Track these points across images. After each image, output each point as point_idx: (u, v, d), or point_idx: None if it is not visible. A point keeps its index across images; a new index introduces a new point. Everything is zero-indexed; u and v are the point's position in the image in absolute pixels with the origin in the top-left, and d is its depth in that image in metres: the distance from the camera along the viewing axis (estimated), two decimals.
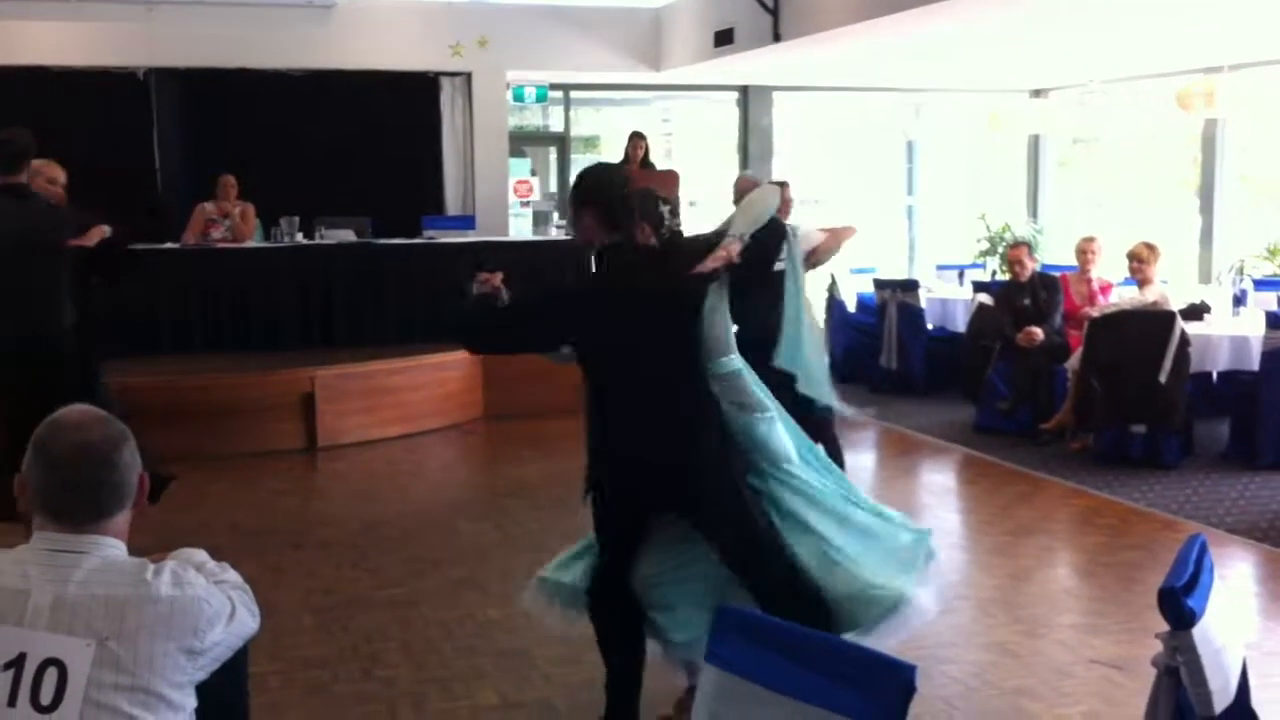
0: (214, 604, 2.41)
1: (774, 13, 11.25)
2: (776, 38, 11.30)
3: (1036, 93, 15.81)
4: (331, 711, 4.60)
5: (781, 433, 4.16)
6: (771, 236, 6.22)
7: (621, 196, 3.88)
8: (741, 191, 7.35)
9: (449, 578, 6.12)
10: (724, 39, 12.22)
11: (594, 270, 4.03)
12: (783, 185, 7.71)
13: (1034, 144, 16.07)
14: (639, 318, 3.84)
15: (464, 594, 5.86)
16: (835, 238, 7.35)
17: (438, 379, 9.98)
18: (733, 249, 3.82)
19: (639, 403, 3.87)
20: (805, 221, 7.71)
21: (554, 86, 14.54)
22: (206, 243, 10.68)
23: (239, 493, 7.98)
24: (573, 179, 4.03)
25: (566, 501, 7.35)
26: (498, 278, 3.94)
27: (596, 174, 4.04)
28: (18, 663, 2.26)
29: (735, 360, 4.18)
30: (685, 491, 3.92)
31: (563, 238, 12.12)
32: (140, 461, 2.49)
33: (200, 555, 2.62)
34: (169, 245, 10.62)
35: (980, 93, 15.73)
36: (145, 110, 12.47)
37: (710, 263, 3.79)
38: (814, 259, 7.40)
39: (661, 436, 3.86)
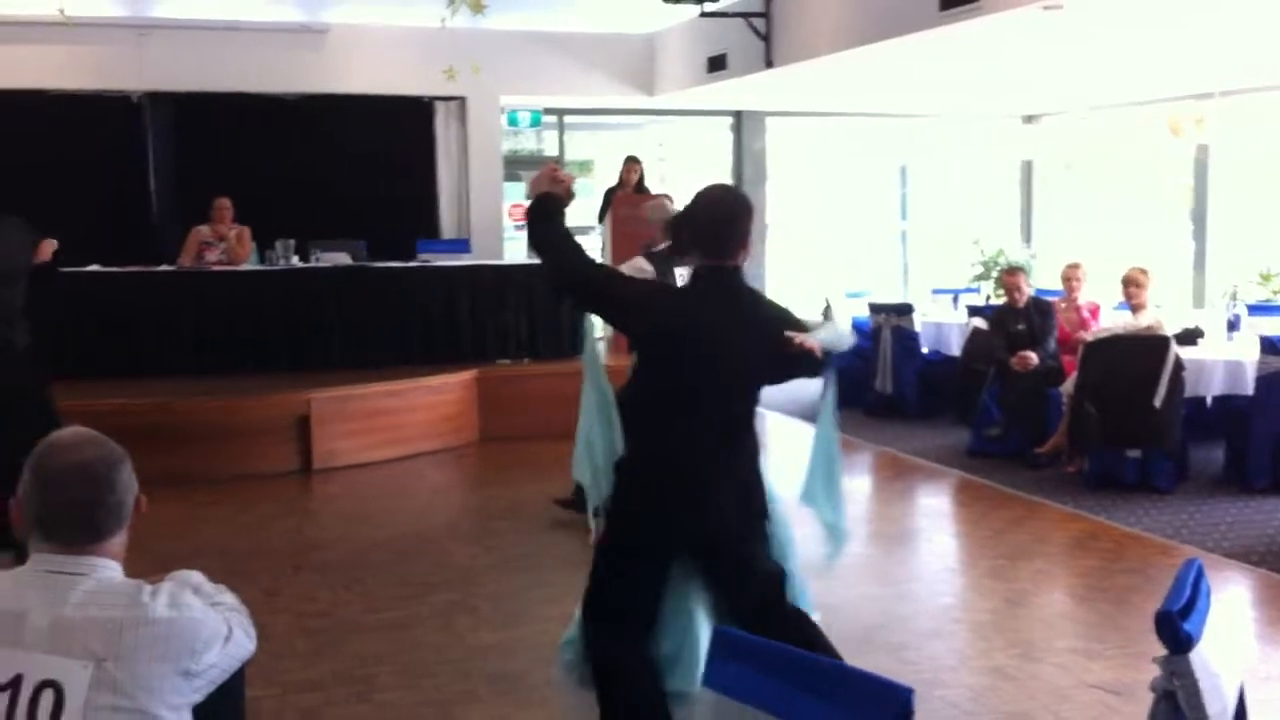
0: (210, 626, 2.41)
1: (766, 39, 11.31)
2: (769, 64, 11.35)
3: (1029, 118, 15.88)
4: None
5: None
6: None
7: (724, 222, 3.74)
8: (653, 209, 7.45)
9: (443, 601, 6.11)
10: (717, 65, 12.28)
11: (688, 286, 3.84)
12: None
13: (1026, 169, 16.14)
14: (732, 346, 3.70)
15: (458, 617, 5.85)
16: None
17: (432, 402, 9.98)
18: (814, 345, 3.59)
19: (710, 424, 3.73)
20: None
21: (548, 111, 14.59)
22: (201, 265, 10.67)
23: (234, 515, 7.96)
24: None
25: (562, 525, 7.40)
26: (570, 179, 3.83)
27: (708, 194, 3.84)
28: (14, 685, 2.26)
29: None
30: (734, 526, 3.79)
31: None
32: (137, 483, 2.49)
33: (197, 577, 2.61)
34: (164, 268, 10.63)
35: (972, 118, 15.82)
36: (139, 134, 12.49)
37: (805, 341, 3.56)
38: None
39: (728, 464, 3.77)
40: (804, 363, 3.63)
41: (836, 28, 10.32)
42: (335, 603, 6.10)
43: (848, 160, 16.65)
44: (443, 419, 10.04)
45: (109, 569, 2.40)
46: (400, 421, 9.68)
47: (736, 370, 3.73)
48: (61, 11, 10.37)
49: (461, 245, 12.35)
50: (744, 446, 3.81)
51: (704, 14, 11.51)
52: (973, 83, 12.89)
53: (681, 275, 7.18)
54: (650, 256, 7.30)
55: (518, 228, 14.19)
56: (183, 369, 10.12)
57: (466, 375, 10.33)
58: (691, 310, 3.74)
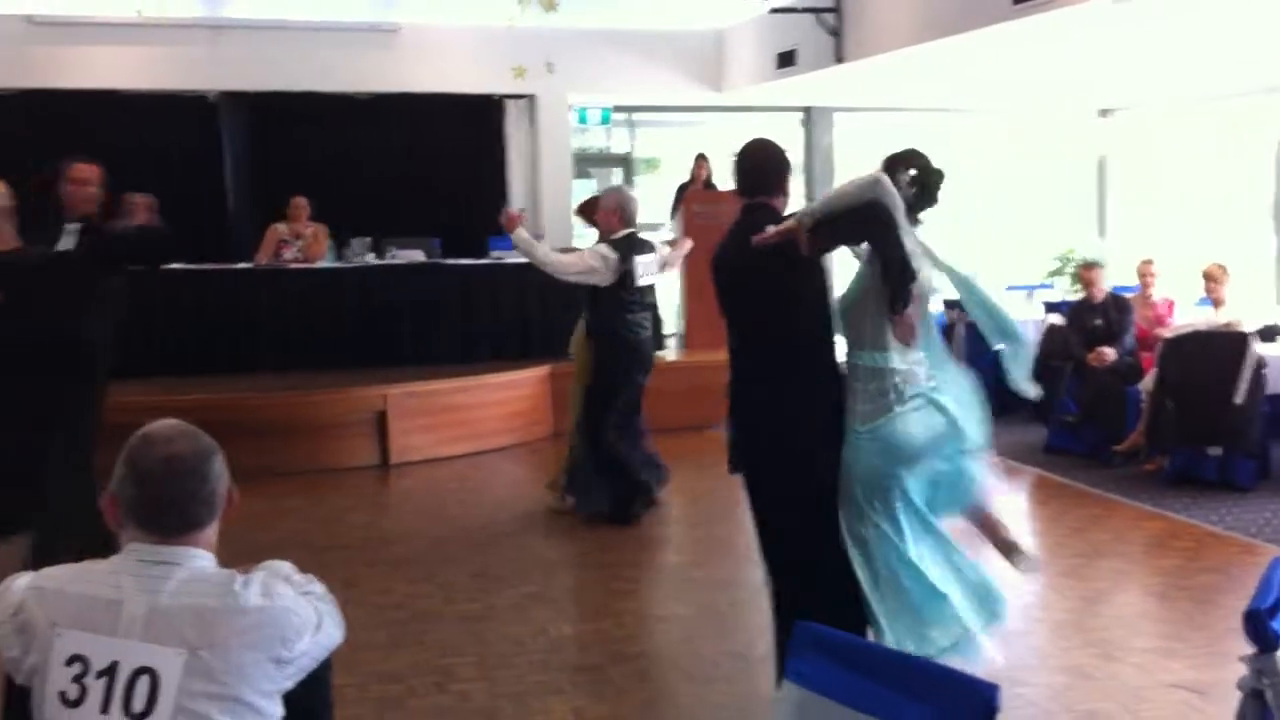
0: (301, 615, 2.45)
1: (836, 34, 11.25)
2: (839, 59, 11.29)
3: (1104, 113, 15.67)
4: None
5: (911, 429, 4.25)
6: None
7: (770, 164, 4.32)
8: (605, 208, 7.58)
9: (520, 593, 6.16)
10: (786, 60, 12.23)
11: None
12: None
13: (1102, 164, 15.91)
14: (745, 276, 4.16)
15: (535, 609, 5.89)
16: (676, 251, 8.25)
17: (506, 398, 10.07)
18: (780, 229, 3.97)
19: (745, 361, 4.25)
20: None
21: (617, 108, 14.61)
22: (278, 263, 10.82)
23: (312, 509, 8.06)
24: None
25: (637, 519, 7.43)
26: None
27: (754, 142, 4.39)
28: (110, 671, 2.31)
29: (891, 359, 4.20)
30: (768, 458, 4.19)
31: None
32: (228, 474, 2.53)
33: (287, 567, 2.65)
34: (242, 265, 10.78)
35: (1046, 112, 15.63)
36: (214, 133, 12.64)
37: (759, 236, 3.98)
38: (665, 270, 8.06)
39: (757, 397, 4.18)
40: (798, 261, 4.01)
41: (908, 22, 10.25)
42: (414, 595, 6.17)
43: None
44: (516, 414, 10.12)
45: (202, 559, 2.45)
46: (475, 417, 9.77)
47: (773, 296, 4.13)
48: (139, 12, 10.55)
49: None
50: (790, 381, 4.14)
51: (773, 10, 11.48)
52: (1046, 78, 12.75)
53: (642, 263, 7.30)
54: (613, 243, 7.38)
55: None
56: (261, 365, 10.27)
57: (539, 371, 10.39)
58: (730, 244, 4.21)
